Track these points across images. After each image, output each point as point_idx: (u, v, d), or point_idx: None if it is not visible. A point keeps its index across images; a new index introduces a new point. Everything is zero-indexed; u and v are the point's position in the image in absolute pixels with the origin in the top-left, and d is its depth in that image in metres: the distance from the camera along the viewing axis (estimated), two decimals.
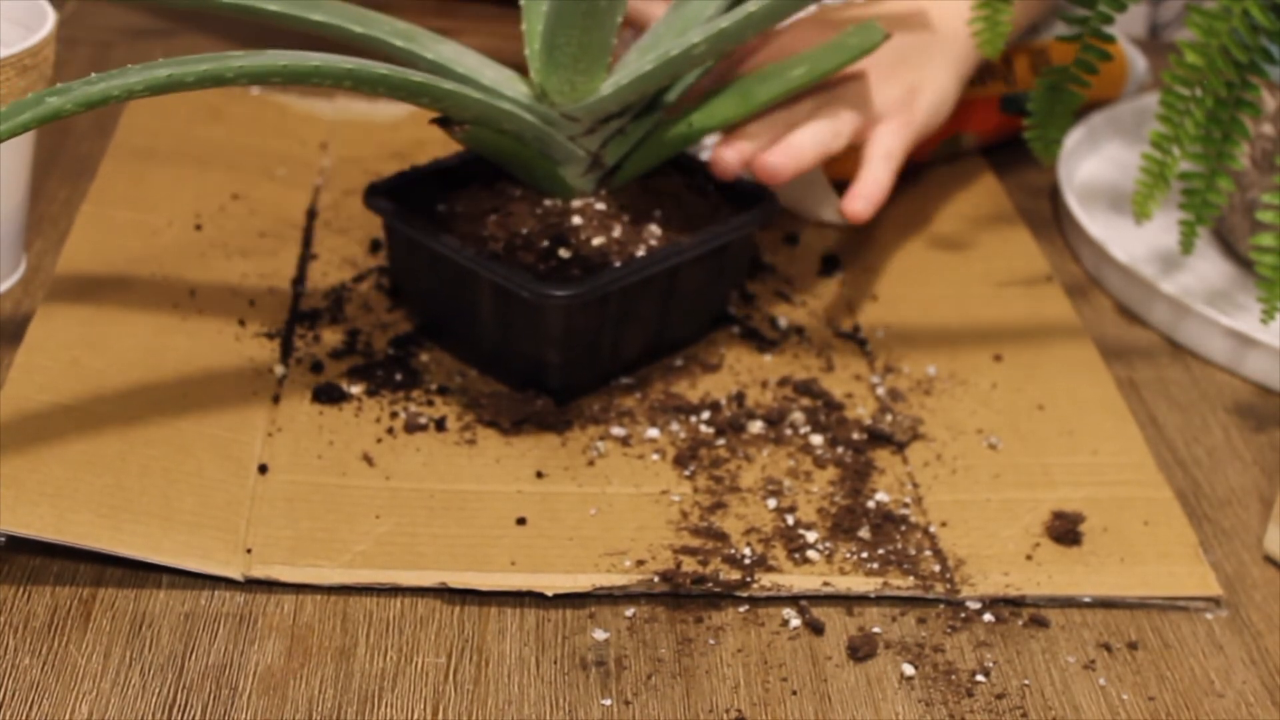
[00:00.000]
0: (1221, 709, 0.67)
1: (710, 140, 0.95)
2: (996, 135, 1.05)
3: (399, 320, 0.86)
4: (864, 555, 0.73)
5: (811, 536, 0.73)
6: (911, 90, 0.90)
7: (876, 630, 0.70)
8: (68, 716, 0.62)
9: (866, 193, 0.88)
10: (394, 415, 0.79)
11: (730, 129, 0.87)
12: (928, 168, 1.03)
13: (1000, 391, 0.85)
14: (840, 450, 0.79)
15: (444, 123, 0.77)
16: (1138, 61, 1.12)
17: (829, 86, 0.89)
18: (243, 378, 0.80)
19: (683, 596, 0.71)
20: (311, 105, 1.06)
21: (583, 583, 0.70)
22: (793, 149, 0.86)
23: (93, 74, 0.65)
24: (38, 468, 0.71)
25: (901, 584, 0.71)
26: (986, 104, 1.03)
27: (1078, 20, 0.83)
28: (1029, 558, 0.74)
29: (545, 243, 0.80)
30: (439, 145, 0.85)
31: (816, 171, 0.96)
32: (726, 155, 0.86)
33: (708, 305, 0.86)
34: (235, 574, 0.69)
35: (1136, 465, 0.80)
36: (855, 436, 0.80)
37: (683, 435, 0.79)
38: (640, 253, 0.81)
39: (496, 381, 0.82)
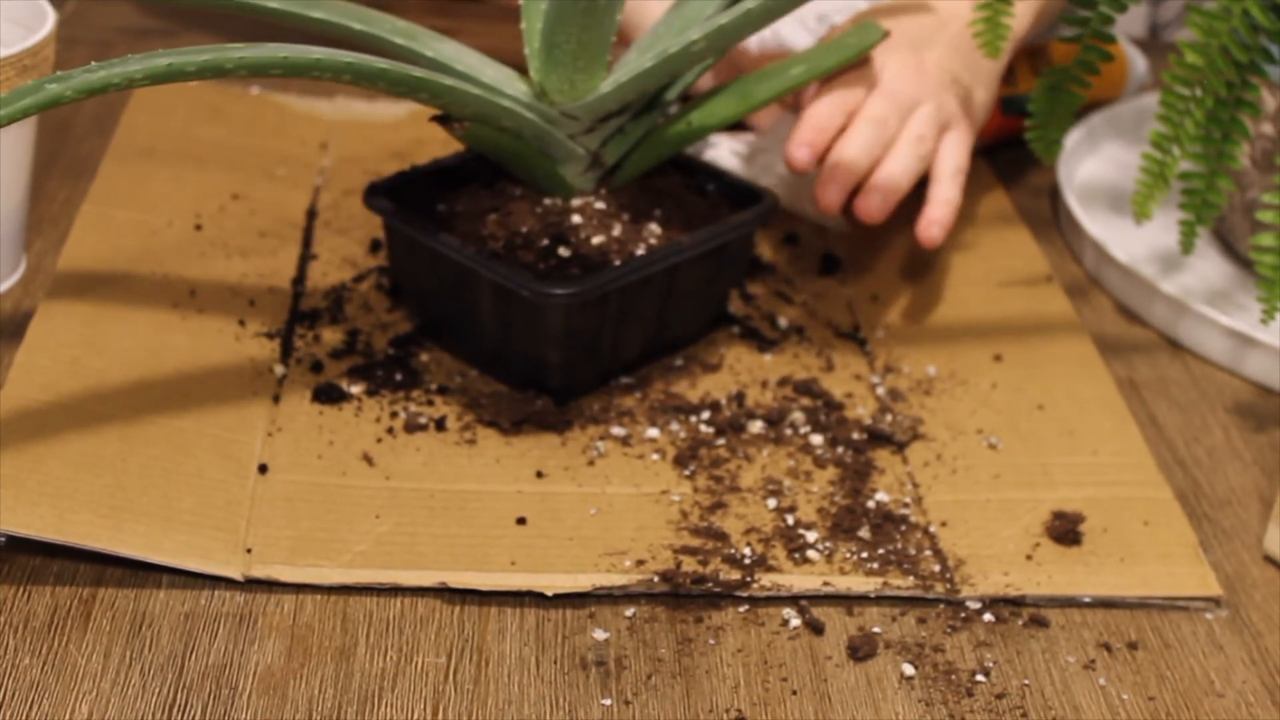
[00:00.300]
0: (1221, 709, 0.67)
1: (714, 139, 0.95)
2: (996, 136, 1.05)
3: (399, 320, 0.86)
4: (864, 555, 0.73)
5: (811, 536, 0.73)
6: (967, 98, 0.89)
7: (876, 630, 0.70)
8: (68, 716, 0.62)
9: (940, 217, 0.85)
10: (394, 415, 0.79)
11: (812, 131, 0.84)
12: None
13: (1000, 391, 0.85)
14: (840, 450, 0.79)
15: (444, 120, 0.77)
16: (1138, 61, 1.12)
17: (890, 96, 0.86)
18: (243, 377, 0.80)
19: (683, 596, 0.71)
20: (311, 105, 1.06)
21: (583, 583, 0.70)
22: (889, 187, 0.84)
23: (93, 62, 0.65)
24: (38, 468, 0.71)
25: (901, 584, 0.71)
26: None
27: (1079, 21, 0.83)
28: (1029, 558, 0.74)
29: (545, 242, 0.80)
30: (439, 145, 0.85)
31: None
32: (830, 191, 0.84)
33: (707, 305, 0.86)
34: (235, 574, 0.69)
35: (1136, 465, 0.80)
36: (855, 436, 0.80)
37: (683, 435, 0.79)
38: (640, 252, 0.81)
39: (496, 381, 0.82)
